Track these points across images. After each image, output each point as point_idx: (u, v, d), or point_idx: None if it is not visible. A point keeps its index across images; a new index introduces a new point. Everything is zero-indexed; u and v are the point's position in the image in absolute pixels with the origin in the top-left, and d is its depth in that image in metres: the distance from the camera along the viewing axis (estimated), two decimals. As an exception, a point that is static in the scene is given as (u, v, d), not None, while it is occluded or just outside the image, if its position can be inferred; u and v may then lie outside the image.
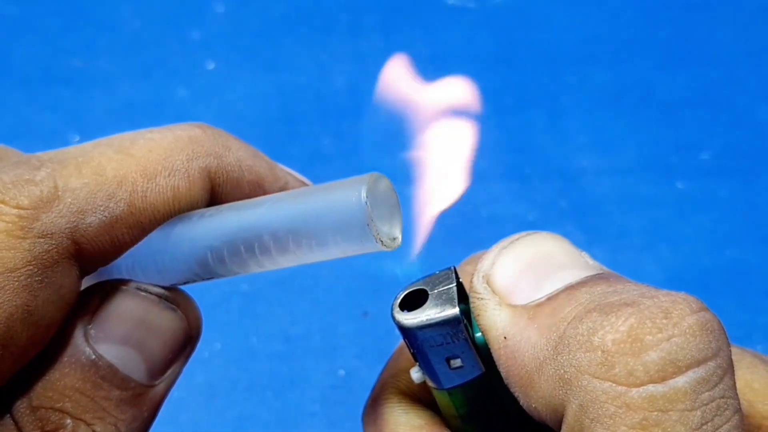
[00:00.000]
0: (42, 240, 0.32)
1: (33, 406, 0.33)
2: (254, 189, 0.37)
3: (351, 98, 0.88)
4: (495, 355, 0.33)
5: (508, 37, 0.93)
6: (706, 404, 0.28)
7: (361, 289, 0.74)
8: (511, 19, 0.94)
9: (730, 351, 0.30)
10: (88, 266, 0.34)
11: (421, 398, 0.38)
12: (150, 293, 0.35)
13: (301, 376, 0.70)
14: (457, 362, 0.35)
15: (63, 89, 0.88)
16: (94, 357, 0.33)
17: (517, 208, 0.80)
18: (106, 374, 0.33)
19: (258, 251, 0.34)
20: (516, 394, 0.32)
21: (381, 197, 0.33)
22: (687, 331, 0.29)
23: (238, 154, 0.37)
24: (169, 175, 0.34)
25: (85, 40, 0.92)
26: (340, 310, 0.73)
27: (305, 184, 0.40)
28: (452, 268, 0.36)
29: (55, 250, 0.32)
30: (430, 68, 0.91)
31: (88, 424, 0.33)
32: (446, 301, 0.34)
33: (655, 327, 0.29)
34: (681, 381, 0.29)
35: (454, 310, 0.34)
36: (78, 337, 0.33)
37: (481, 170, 0.84)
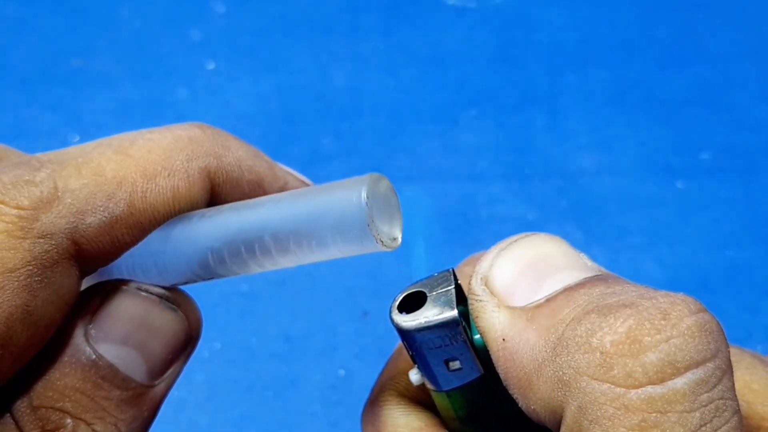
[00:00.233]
0: (42, 240, 0.32)
1: (33, 406, 0.33)
2: (254, 189, 0.37)
3: (351, 98, 0.88)
4: (493, 357, 0.33)
5: (508, 37, 0.93)
6: (705, 405, 0.28)
7: (361, 289, 0.74)
8: (511, 19, 0.94)
9: (729, 352, 0.30)
10: (88, 267, 0.34)
11: (420, 400, 0.38)
12: (150, 293, 0.35)
13: (301, 376, 0.70)
14: (455, 364, 0.35)
15: (63, 89, 0.88)
16: (94, 357, 0.33)
17: (517, 208, 0.80)
18: (107, 374, 0.33)
19: (258, 252, 0.34)
20: (515, 396, 0.32)
21: (381, 198, 0.33)
22: (685, 332, 0.29)
23: (237, 154, 0.37)
24: (168, 175, 0.34)
25: (85, 40, 0.92)
26: (340, 310, 0.73)
27: (305, 184, 0.40)
28: (450, 269, 0.36)
29: (55, 250, 0.32)
30: (430, 68, 0.92)
31: (89, 424, 0.33)
32: (445, 303, 0.34)
33: (654, 328, 0.29)
34: (680, 382, 0.28)
35: (453, 312, 0.34)
36: (78, 337, 0.33)
37: (481, 170, 0.85)
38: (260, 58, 0.91)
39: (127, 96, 0.88)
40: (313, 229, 0.33)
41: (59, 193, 0.32)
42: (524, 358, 0.32)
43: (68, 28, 0.93)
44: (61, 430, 0.33)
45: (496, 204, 0.80)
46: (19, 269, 0.31)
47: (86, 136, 0.84)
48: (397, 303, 0.35)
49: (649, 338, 0.29)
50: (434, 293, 0.35)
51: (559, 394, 0.30)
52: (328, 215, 0.32)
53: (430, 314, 0.34)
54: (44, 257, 0.32)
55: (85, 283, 0.35)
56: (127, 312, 0.34)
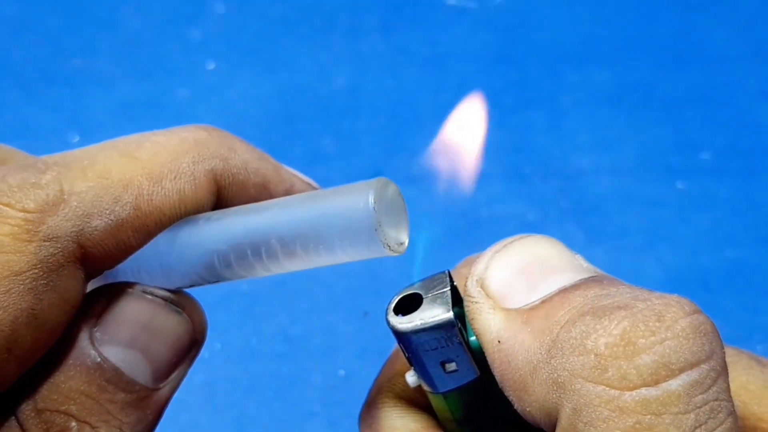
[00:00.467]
0: (48, 243, 0.32)
1: (38, 409, 0.33)
2: (260, 191, 0.37)
3: (351, 98, 0.88)
4: (489, 358, 0.33)
5: (508, 37, 0.93)
6: (700, 407, 0.29)
7: (361, 289, 0.74)
8: (511, 19, 0.94)
9: (724, 353, 0.30)
10: (94, 269, 0.34)
11: (416, 402, 0.38)
12: (156, 296, 0.35)
13: (301, 376, 0.70)
14: (451, 366, 0.35)
15: (63, 89, 0.88)
16: (99, 360, 0.33)
17: (517, 208, 0.80)
18: (112, 377, 0.33)
19: (265, 256, 0.34)
20: (510, 398, 0.33)
21: (388, 202, 0.33)
22: (680, 333, 0.29)
23: (243, 157, 0.37)
24: (174, 178, 0.34)
25: (85, 40, 0.92)
26: (340, 310, 0.73)
27: (311, 186, 0.40)
28: (446, 271, 0.36)
29: (61, 253, 0.32)
30: (430, 68, 0.92)
31: (93, 427, 0.33)
32: (440, 305, 0.34)
33: (648, 330, 0.29)
34: (674, 384, 0.29)
35: (449, 314, 0.34)
36: (83, 339, 0.34)
37: (481, 170, 0.84)
38: (260, 58, 0.91)
39: (127, 96, 0.88)
40: (320, 233, 0.33)
41: (65, 196, 0.32)
42: (519, 360, 0.32)
43: (68, 28, 0.93)
44: None
45: (496, 204, 0.80)
46: (24, 272, 0.31)
47: (86, 136, 0.84)
48: (393, 305, 0.35)
49: (644, 340, 0.29)
50: (430, 295, 0.35)
51: (554, 396, 0.30)
52: (335, 220, 0.32)
53: (426, 316, 0.34)
54: (50, 260, 0.32)
55: (91, 286, 0.35)
56: (132, 315, 0.34)
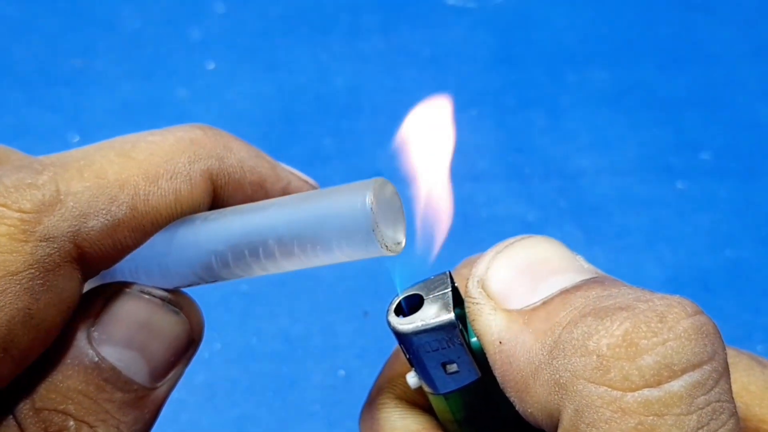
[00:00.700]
0: (44, 243, 0.32)
1: (36, 408, 0.33)
2: (256, 190, 0.37)
3: (351, 98, 0.88)
4: (490, 359, 0.33)
5: (508, 37, 0.93)
6: (702, 408, 0.28)
7: (361, 289, 0.74)
8: (511, 19, 0.94)
9: (726, 354, 0.30)
10: (91, 269, 0.34)
11: (417, 403, 0.38)
12: (153, 296, 0.35)
13: (301, 376, 0.70)
14: (453, 367, 0.35)
15: (63, 89, 0.88)
16: (97, 359, 0.33)
17: (517, 208, 0.80)
18: (109, 377, 0.33)
19: (262, 255, 0.34)
20: (512, 399, 0.32)
21: (386, 202, 0.33)
22: (682, 334, 0.29)
23: (239, 155, 0.37)
24: (171, 178, 0.34)
25: (85, 40, 0.92)
26: (340, 310, 0.73)
27: (308, 183, 0.40)
28: (447, 272, 0.36)
29: (57, 253, 0.32)
30: (430, 68, 0.92)
31: (91, 426, 0.33)
32: (441, 306, 0.34)
33: (650, 331, 0.29)
34: (676, 385, 0.29)
35: (450, 315, 0.34)
36: (81, 339, 0.34)
37: (481, 170, 0.85)
38: (260, 58, 0.91)
39: (127, 96, 0.88)
40: (317, 233, 0.33)
41: (62, 197, 0.32)
42: (521, 361, 0.32)
43: (68, 28, 0.93)
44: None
45: (496, 204, 0.80)
46: (21, 272, 0.31)
47: (86, 136, 0.84)
48: (394, 306, 0.35)
49: (646, 341, 0.29)
50: (431, 296, 0.35)
51: (556, 397, 0.30)
52: (332, 220, 0.32)
53: (426, 317, 0.34)
54: (46, 260, 0.32)
55: (88, 286, 0.35)
56: (129, 315, 0.34)
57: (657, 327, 0.29)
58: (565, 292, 0.32)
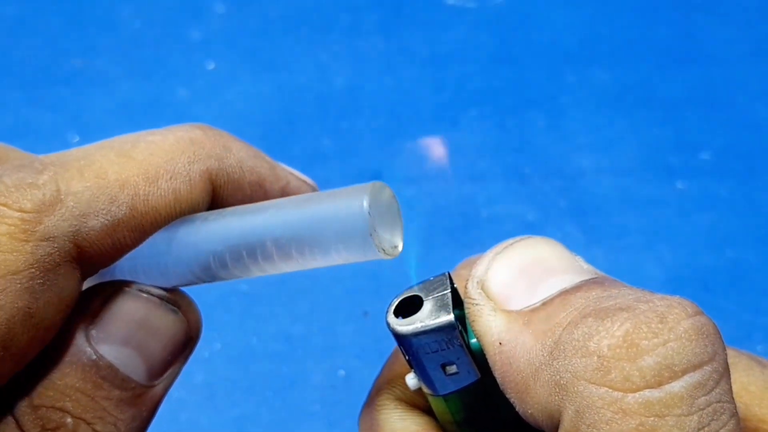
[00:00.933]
0: (44, 243, 0.32)
1: (34, 405, 0.33)
2: (256, 190, 0.37)
3: (351, 98, 0.88)
4: (490, 361, 0.33)
5: (508, 37, 0.93)
6: (703, 409, 0.28)
7: (361, 289, 0.74)
8: (511, 19, 0.94)
9: (726, 355, 0.30)
10: (90, 269, 0.34)
11: (417, 404, 0.38)
12: (152, 295, 0.35)
13: (301, 376, 0.70)
14: (452, 368, 0.35)
15: (63, 89, 0.88)
16: (95, 357, 0.33)
17: (517, 208, 0.80)
18: (107, 374, 0.34)
19: (260, 257, 0.34)
20: (512, 400, 0.32)
21: (383, 206, 0.33)
22: (683, 335, 0.29)
23: (239, 155, 0.37)
24: (170, 178, 0.35)
25: (85, 40, 0.92)
26: (340, 310, 0.73)
27: (307, 183, 0.40)
28: (446, 273, 0.36)
29: (57, 253, 0.32)
30: (430, 68, 0.92)
31: (89, 423, 0.33)
32: (441, 308, 0.34)
33: (651, 332, 0.29)
34: (677, 386, 0.29)
35: (449, 317, 0.34)
36: (79, 337, 0.34)
37: (481, 170, 0.85)
38: (260, 58, 0.91)
39: (127, 96, 0.88)
40: (315, 236, 0.33)
41: (62, 196, 0.32)
42: (521, 362, 0.32)
43: (68, 28, 0.93)
44: (62, 429, 0.33)
45: (496, 204, 0.80)
46: (21, 272, 0.31)
47: (86, 136, 0.84)
48: (393, 307, 0.35)
49: (647, 342, 0.29)
50: (430, 297, 0.35)
51: (557, 398, 0.30)
52: (330, 223, 0.33)
53: (426, 318, 0.34)
54: (46, 260, 0.32)
55: (86, 284, 0.35)
56: (128, 313, 0.35)
57: (657, 328, 0.29)
58: (565, 292, 0.32)
